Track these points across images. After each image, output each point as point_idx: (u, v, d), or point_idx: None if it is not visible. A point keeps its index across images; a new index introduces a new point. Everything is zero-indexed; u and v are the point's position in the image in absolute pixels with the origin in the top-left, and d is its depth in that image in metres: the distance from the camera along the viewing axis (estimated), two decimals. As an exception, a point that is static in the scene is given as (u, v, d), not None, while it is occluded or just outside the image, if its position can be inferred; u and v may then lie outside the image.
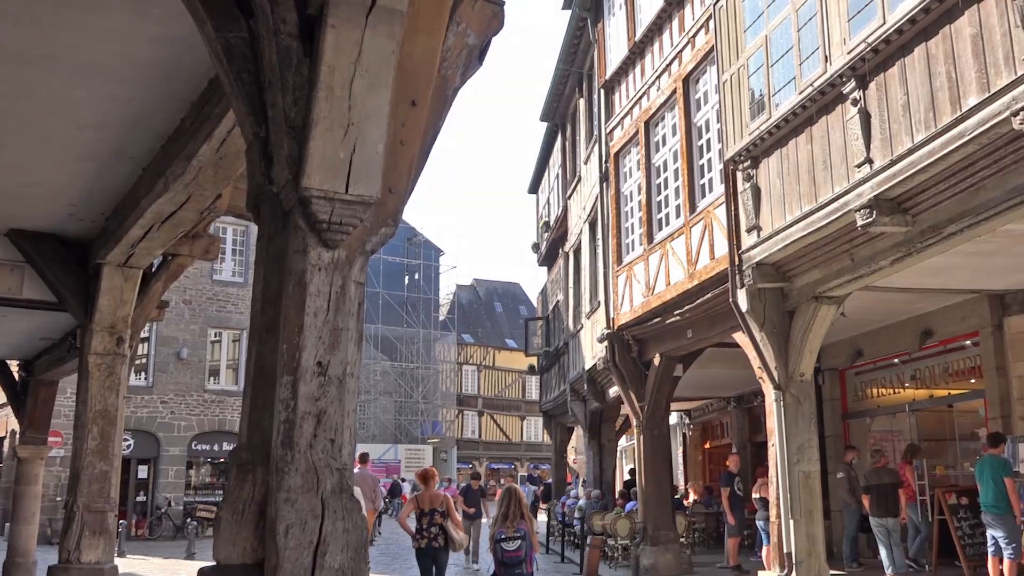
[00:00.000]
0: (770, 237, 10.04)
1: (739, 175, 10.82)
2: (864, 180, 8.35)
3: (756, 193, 10.41)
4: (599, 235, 16.40)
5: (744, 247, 10.58)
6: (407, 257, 52.09)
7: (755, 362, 10.97)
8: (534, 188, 25.55)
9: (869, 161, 8.34)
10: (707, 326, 12.44)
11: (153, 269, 8.57)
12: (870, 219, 8.25)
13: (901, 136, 7.93)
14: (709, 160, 12.04)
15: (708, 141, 12.09)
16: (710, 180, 12.02)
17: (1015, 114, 6.54)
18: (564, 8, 19.61)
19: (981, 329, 11.77)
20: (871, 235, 8.88)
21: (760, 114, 10.12)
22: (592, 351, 16.74)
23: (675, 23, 13.00)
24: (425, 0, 3.79)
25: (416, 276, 53.30)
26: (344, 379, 3.49)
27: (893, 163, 7.96)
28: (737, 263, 10.74)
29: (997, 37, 6.86)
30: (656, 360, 14.15)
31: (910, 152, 7.75)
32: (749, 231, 10.52)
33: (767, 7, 10.03)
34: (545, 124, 21.75)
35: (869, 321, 12.98)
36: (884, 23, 7.95)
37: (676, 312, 12.77)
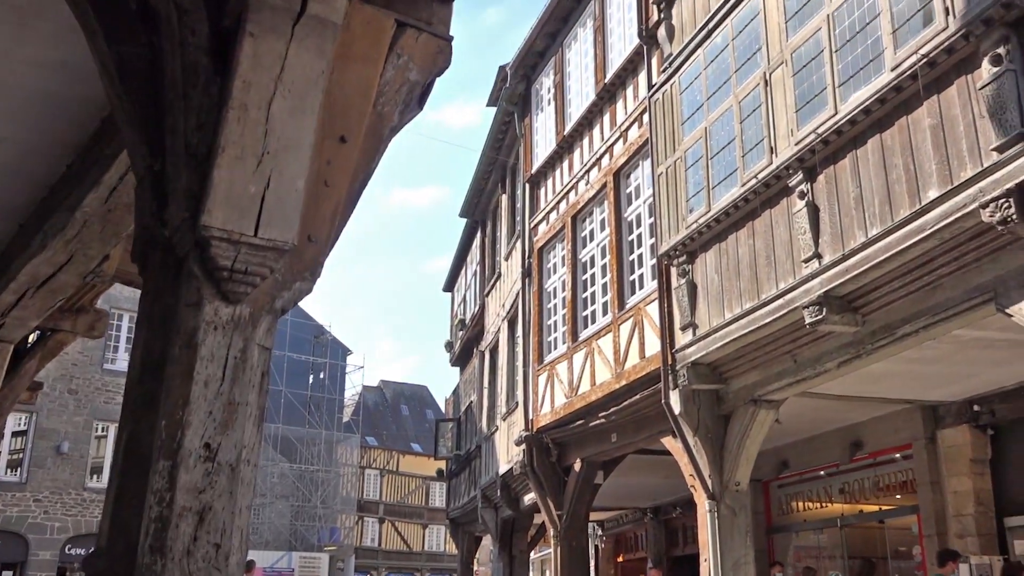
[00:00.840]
0: (707, 335, 9.50)
1: (674, 270, 10.34)
2: (812, 276, 7.90)
3: (692, 289, 9.91)
4: (519, 333, 15.72)
5: (678, 346, 10.02)
6: (313, 355, 50.53)
7: (687, 469, 10.29)
8: (450, 286, 24.90)
9: (818, 256, 7.91)
10: (633, 430, 11.75)
11: (27, 345, 7.54)
12: (819, 316, 7.76)
13: (853, 230, 7.52)
14: (640, 255, 11.57)
15: (639, 236, 11.64)
16: (641, 276, 11.52)
17: (984, 206, 6.16)
18: (489, 105, 19.37)
19: (914, 442, 11.34)
20: (817, 335, 8.41)
21: (698, 207, 9.70)
22: (507, 455, 15.84)
23: (606, 117, 12.70)
24: (362, 22, 3.16)
25: (321, 375, 51.65)
26: (238, 467, 2.69)
27: (845, 258, 7.54)
28: (670, 363, 10.16)
29: (960, 128, 6.55)
30: (577, 466, 13.35)
31: (863, 247, 7.34)
32: (684, 329, 9.98)
33: (707, 100, 9.73)
34: (464, 220, 21.27)
35: (796, 430, 12.45)
36: (836, 113, 7.63)
37: (601, 414, 12.07)
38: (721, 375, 9.82)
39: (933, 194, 6.70)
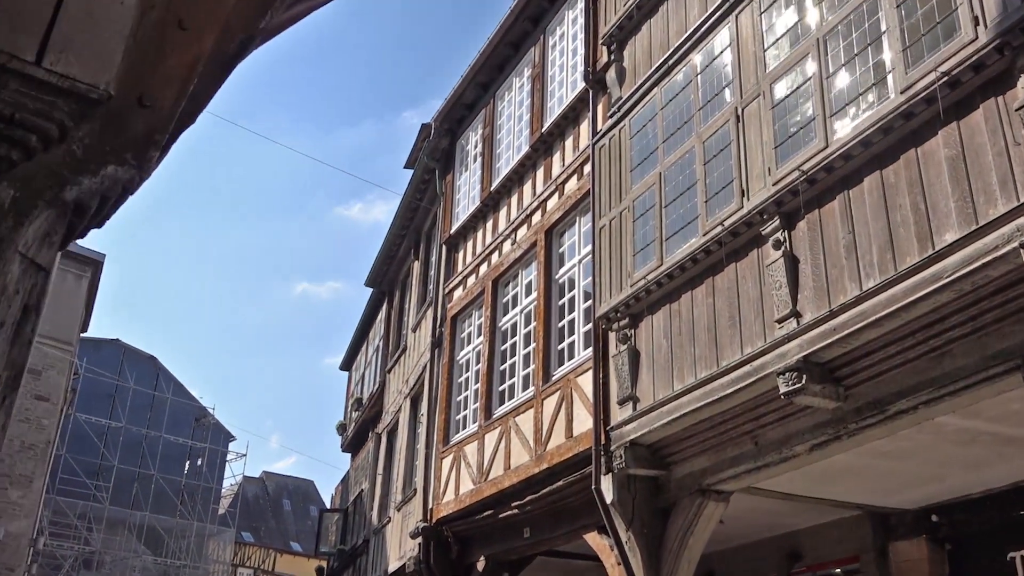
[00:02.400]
0: (650, 410, 8.10)
1: (613, 336, 8.99)
2: (789, 338, 6.63)
3: (634, 357, 8.55)
4: (423, 411, 14.07)
5: (615, 422, 8.59)
6: (193, 439, 47.19)
7: (615, 572, 8.72)
8: (348, 364, 23.04)
9: (796, 315, 6.66)
10: (551, 524, 10.16)
11: None
12: (797, 385, 6.46)
13: (843, 283, 6.31)
14: (571, 322, 10.21)
15: (571, 300, 10.31)
16: (571, 345, 10.13)
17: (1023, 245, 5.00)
18: (407, 167, 18.09)
19: (862, 555, 10.03)
20: (785, 412, 7.11)
21: (646, 263, 8.44)
22: (400, 549, 13.95)
23: (540, 171, 11.50)
24: None
25: (200, 462, 48.26)
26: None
27: (831, 315, 6.29)
28: (604, 442, 8.70)
29: (988, 158, 5.44)
30: (480, 564, 11.61)
31: (856, 302, 6.12)
32: (622, 403, 8.57)
33: (663, 142, 8.58)
34: (370, 291, 19.68)
35: (726, 536, 11.01)
36: (826, 146, 6.50)
37: (514, 504, 10.46)
38: (664, 459, 8.39)
39: (951, 237, 5.54)
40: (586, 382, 9.36)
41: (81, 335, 30.90)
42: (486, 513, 11.09)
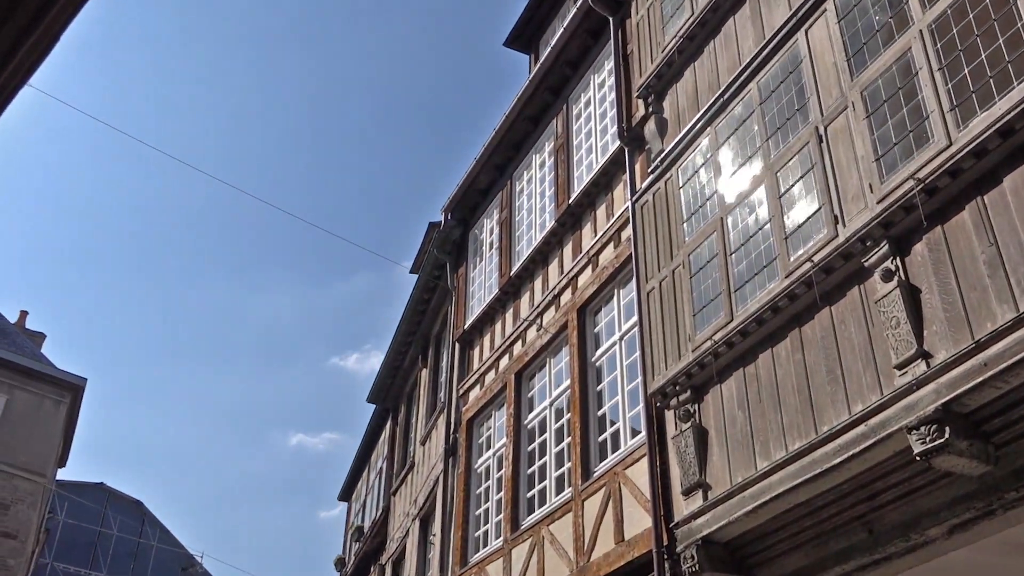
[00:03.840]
0: (726, 498, 6.61)
1: (670, 415, 7.57)
2: (918, 384, 5.24)
3: (701, 436, 7.10)
4: (435, 531, 12.37)
5: (679, 517, 7.06)
6: (177, 589, 44.20)
7: None
8: (347, 493, 21.23)
9: (924, 355, 5.30)
10: (597, 654, 8.42)
11: None
12: (939, 441, 5.02)
13: (988, 307, 4.99)
14: (613, 407, 8.78)
15: (612, 384, 8.91)
16: (614, 434, 8.67)
17: None
18: (413, 271, 16.94)
19: None
20: (911, 486, 5.64)
21: (710, 321, 7.11)
22: None
23: (568, 247, 10.31)
24: None
25: (185, 615, 45.07)
26: None
27: (979, 348, 4.94)
28: (667, 543, 7.14)
29: None
30: None
31: (1015, 326, 4.78)
32: (688, 493, 7.06)
33: (721, 184, 7.41)
34: (372, 408, 18.17)
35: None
36: (949, 144, 5.30)
37: (551, 631, 8.74)
38: (746, 559, 6.81)
39: None
40: (638, 473, 7.87)
41: (61, 477, 28.95)
42: (515, 645, 9.33)
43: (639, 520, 7.69)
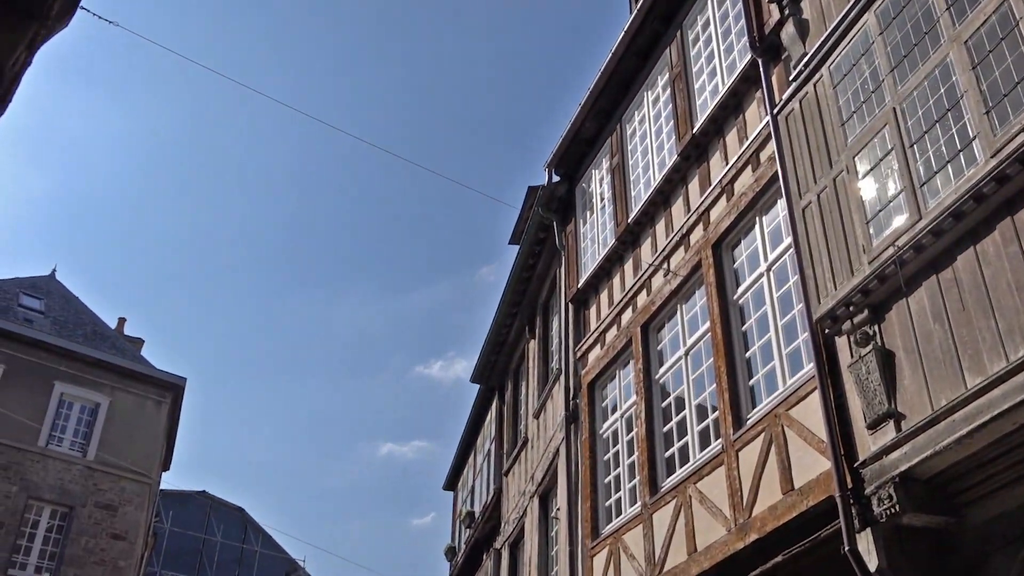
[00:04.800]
0: (927, 426, 5.61)
1: (843, 341, 6.59)
2: None
3: (886, 360, 6.12)
4: (557, 505, 11.54)
5: (866, 455, 6.08)
6: (283, 595, 44.36)
7: (887, 675, 6.00)
8: (452, 483, 20.58)
9: None
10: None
11: None
12: None
13: None
14: (765, 347, 7.82)
15: (761, 320, 7.96)
16: (768, 376, 7.70)
17: None
18: (512, 242, 16.18)
19: None
20: None
21: (889, 226, 6.12)
22: None
23: (693, 182, 9.38)
24: None
25: (291, 619, 45.18)
26: None
27: None
28: (851, 486, 6.17)
29: None
30: None
31: None
32: (875, 426, 6.08)
33: (891, 70, 6.40)
34: (476, 389, 17.46)
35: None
36: None
37: (708, 599, 7.81)
38: (952, 498, 5.80)
39: None
40: (806, 412, 6.90)
41: (164, 487, 29.01)
42: (664, 618, 8.42)
43: (812, 465, 6.71)
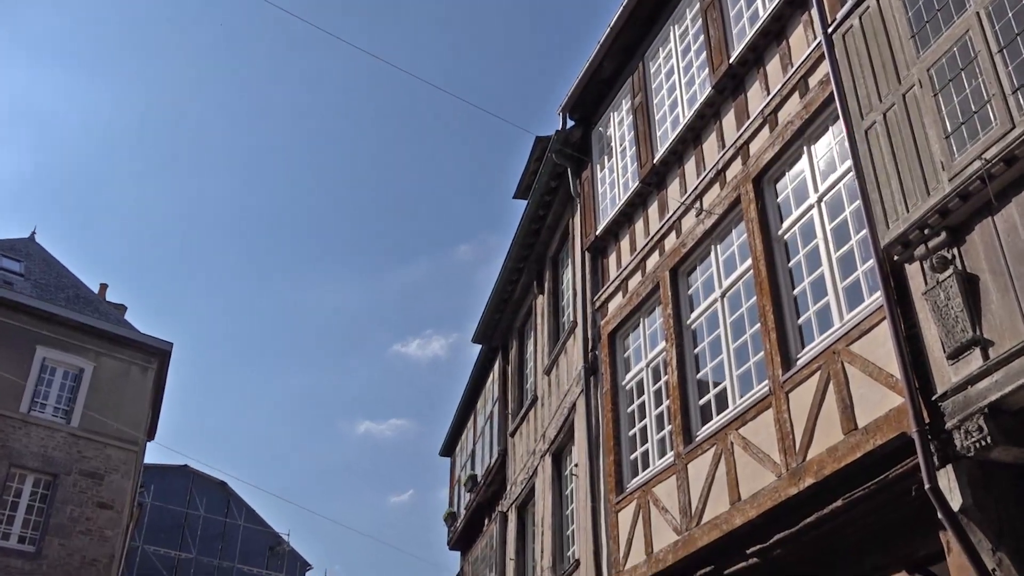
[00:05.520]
0: (1019, 353, 5.14)
1: (914, 268, 6.10)
2: None
3: (969, 284, 5.65)
4: (574, 461, 11.07)
5: (946, 387, 5.61)
6: (268, 568, 43.84)
7: (966, 624, 5.57)
8: (450, 448, 20.07)
9: None
10: (815, 571, 7.05)
11: None
12: None
13: None
14: (817, 283, 7.33)
15: (811, 256, 7.47)
16: (822, 312, 7.23)
17: None
18: (516, 197, 15.61)
19: None
20: None
21: (974, 141, 5.63)
22: (561, 645, 10.72)
23: (729, 116, 8.86)
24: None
25: (275, 594, 44.69)
26: None
27: None
28: (928, 422, 5.70)
29: None
30: (690, 650, 8.41)
31: None
32: (957, 355, 5.61)
33: (971, -28, 5.89)
34: (478, 350, 16.92)
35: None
36: None
37: (752, 550, 7.36)
38: (1046, 430, 5.35)
39: None
40: (871, 346, 6.42)
41: (146, 461, 28.41)
42: (702, 572, 7.97)
43: (878, 402, 6.25)
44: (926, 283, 5.98)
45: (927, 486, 5.58)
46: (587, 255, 11.36)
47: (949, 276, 5.77)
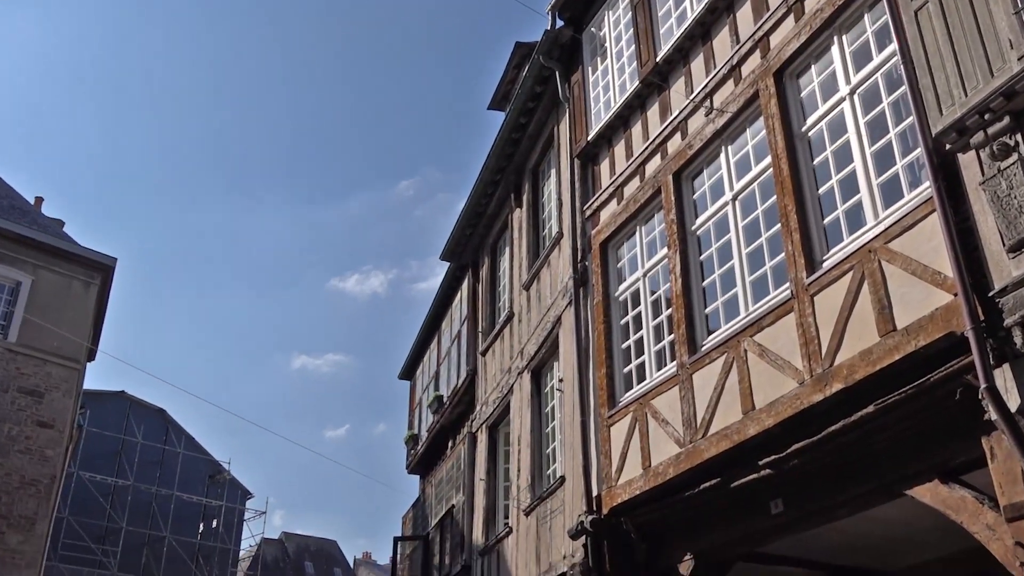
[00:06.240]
0: (1096, 242, 4.75)
1: (969, 157, 5.67)
2: None
3: (1034, 170, 5.22)
4: (560, 377, 10.64)
5: (1005, 281, 5.23)
6: (207, 497, 43.17)
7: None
8: (409, 371, 19.53)
9: None
10: (832, 484, 6.76)
11: None
12: None
13: None
14: (848, 180, 6.89)
15: (840, 152, 7.01)
16: (852, 211, 6.80)
17: None
18: (491, 108, 14.93)
19: None
20: None
21: (1049, 15, 5.16)
22: (543, 562, 10.38)
23: (745, 6, 8.29)
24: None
25: (215, 522, 44.11)
26: None
27: None
28: (982, 318, 5.33)
29: None
30: (685, 566, 8.13)
31: None
32: (1017, 249, 5.22)
33: None
34: (446, 269, 16.31)
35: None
36: None
37: (766, 461, 7.02)
38: (1119, 324, 5.01)
39: None
40: (914, 242, 6.02)
41: (85, 387, 27.33)
42: (706, 485, 7.63)
43: (922, 300, 5.86)
44: (983, 173, 5.56)
45: (983, 386, 5.23)
46: (576, 163, 10.79)
47: (1013, 164, 5.36)
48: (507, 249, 13.81)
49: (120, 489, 39.59)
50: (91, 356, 22.88)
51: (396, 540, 16.74)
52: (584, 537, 8.87)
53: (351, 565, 55.56)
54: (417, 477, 18.26)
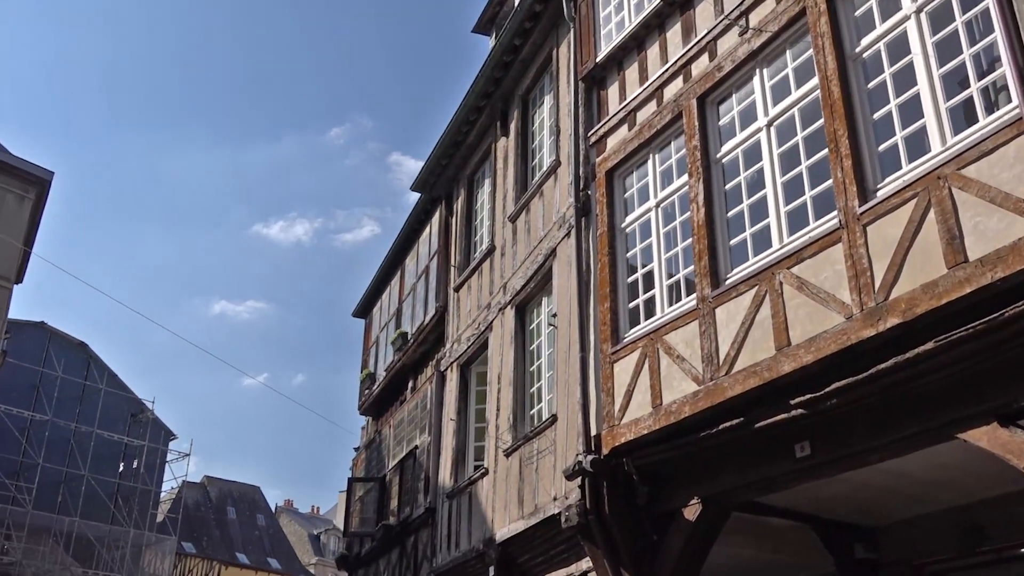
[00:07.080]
0: None
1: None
2: None
3: None
4: (553, 311, 10.10)
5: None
6: (129, 436, 41.76)
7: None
8: (366, 309, 18.76)
9: None
10: (872, 426, 6.37)
11: None
12: None
13: None
14: (909, 105, 6.42)
15: (902, 75, 6.53)
16: (914, 137, 6.34)
17: None
18: (475, 31, 14.17)
19: None
20: None
21: None
22: (519, 510, 9.90)
23: (790, -78, 7.71)
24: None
25: (136, 463, 42.77)
26: None
27: None
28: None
29: None
30: (691, 511, 7.72)
31: None
32: None
33: None
34: (417, 199, 15.54)
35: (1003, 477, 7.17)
36: None
37: (800, 400, 6.60)
38: None
39: None
40: (992, 169, 5.58)
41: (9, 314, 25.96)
42: (726, 425, 7.19)
43: (1001, 230, 5.44)
44: (1087, 91, 5.14)
45: (1077, 319, 4.84)
46: (580, 87, 10.16)
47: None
48: (487, 180, 13.14)
49: (37, 424, 38.05)
50: (20, 278, 21.58)
51: (350, 481, 16.09)
52: (581, 478, 8.39)
53: (273, 511, 54.75)
54: (368, 418, 17.63)
